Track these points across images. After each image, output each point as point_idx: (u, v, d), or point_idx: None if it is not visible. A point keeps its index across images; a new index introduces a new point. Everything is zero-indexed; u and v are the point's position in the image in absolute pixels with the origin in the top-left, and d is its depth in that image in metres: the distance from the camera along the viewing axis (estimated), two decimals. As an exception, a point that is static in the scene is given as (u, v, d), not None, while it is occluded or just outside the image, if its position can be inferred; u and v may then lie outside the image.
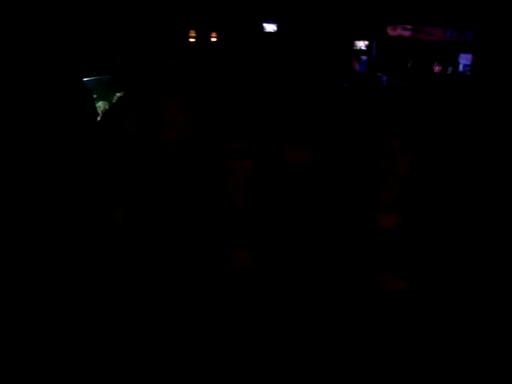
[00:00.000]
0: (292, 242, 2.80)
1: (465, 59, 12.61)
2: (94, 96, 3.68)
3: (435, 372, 2.67)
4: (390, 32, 13.20)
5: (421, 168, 2.75)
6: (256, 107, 4.16)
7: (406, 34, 13.15)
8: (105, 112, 2.98)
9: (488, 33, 10.72)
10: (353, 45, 13.13)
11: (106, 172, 2.71)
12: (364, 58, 13.12)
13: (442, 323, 2.72)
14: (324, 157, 3.06)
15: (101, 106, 4.78)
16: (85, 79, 4.61)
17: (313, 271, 2.78)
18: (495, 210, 2.75)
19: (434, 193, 2.79)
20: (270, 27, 13.58)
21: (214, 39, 13.00)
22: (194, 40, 12.65)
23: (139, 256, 2.68)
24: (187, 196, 2.82)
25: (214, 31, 12.99)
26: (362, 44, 13.42)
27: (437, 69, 12.67)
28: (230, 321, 2.74)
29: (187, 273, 2.73)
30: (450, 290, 2.71)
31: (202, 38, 12.81)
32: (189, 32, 12.65)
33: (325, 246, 2.79)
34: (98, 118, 3.17)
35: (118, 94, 5.34)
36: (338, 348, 2.72)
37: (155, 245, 2.71)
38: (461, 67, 12.67)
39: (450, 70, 12.59)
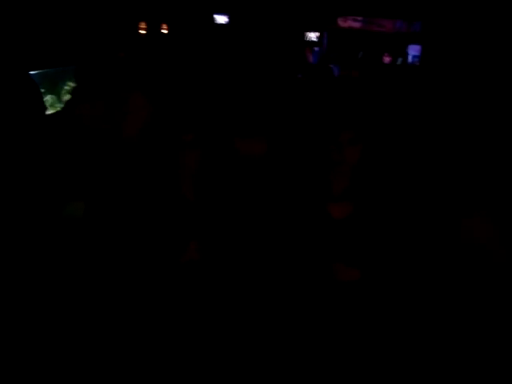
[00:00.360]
0: (244, 233, 2.81)
1: (414, 50, 12.79)
2: (42, 90, 3.62)
3: (384, 359, 2.71)
4: (341, 23, 13.29)
5: (370, 158, 2.78)
6: (206, 99, 4.15)
7: (357, 25, 13.25)
8: (66, 103, 2.97)
9: (435, 24, 10.89)
10: (304, 36, 13.17)
11: (58, 167, 2.68)
12: (316, 49, 13.17)
13: (393, 311, 2.77)
14: (277, 147, 3.07)
15: (49, 99, 4.70)
16: (31, 72, 4.52)
17: (266, 262, 2.79)
18: (439, 200, 2.80)
19: (383, 183, 2.82)
20: (221, 19, 13.51)
21: (164, 31, 12.89)
22: (144, 32, 12.52)
23: (97, 248, 2.67)
24: (141, 189, 2.81)
25: (164, 23, 12.86)
26: (313, 35, 13.47)
27: (387, 60, 12.81)
28: (182, 313, 2.74)
29: (141, 265, 2.72)
30: (399, 277, 2.75)
31: (153, 29, 12.67)
32: (139, 24, 12.49)
33: (278, 237, 2.81)
34: (47, 112, 3.12)
35: (67, 88, 5.25)
36: (290, 338, 2.74)
37: (112, 237, 2.70)
38: (410, 58, 12.83)
39: (399, 60, 12.74)
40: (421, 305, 2.77)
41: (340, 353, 2.71)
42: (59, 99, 5.01)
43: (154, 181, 2.84)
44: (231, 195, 2.89)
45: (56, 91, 4.93)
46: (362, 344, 2.73)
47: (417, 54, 12.74)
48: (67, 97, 4.41)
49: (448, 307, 2.67)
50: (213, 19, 13.50)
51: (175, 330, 2.73)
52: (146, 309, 2.71)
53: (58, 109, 4.73)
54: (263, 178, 2.96)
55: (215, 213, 2.83)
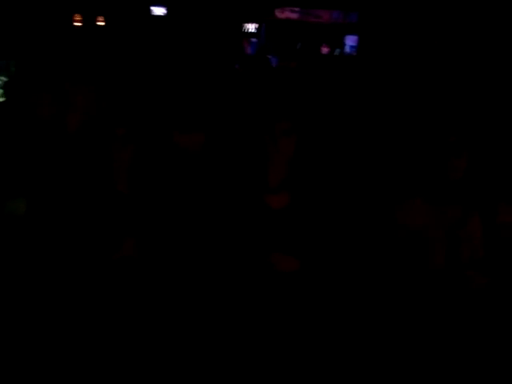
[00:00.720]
0: (181, 227, 2.79)
1: (351, 41, 12.94)
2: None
3: (323, 348, 2.74)
4: (279, 15, 13.33)
5: (306, 149, 2.80)
6: (141, 92, 4.10)
7: (294, 16, 13.31)
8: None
9: (371, 15, 11.03)
10: (242, 28, 13.16)
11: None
12: (254, 40, 13.17)
13: (334, 300, 2.80)
14: (214, 140, 3.06)
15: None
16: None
17: (204, 254, 2.78)
18: (374, 188, 2.84)
19: (319, 173, 2.85)
20: (158, 10, 13.36)
21: (100, 23, 12.67)
22: (79, 24, 12.28)
23: (38, 245, 2.63)
24: (77, 183, 2.77)
25: (100, 15, 12.64)
26: (251, 27, 13.47)
27: (325, 50, 12.91)
28: (116, 309, 2.72)
29: (77, 261, 2.68)
30: (339, 266, 2.78)
31: (88, 22, 12.44)
32: (73, 16, 12.25)
33: (216, 229, 2.80)
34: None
35: (3, 78, 5.14)
36: (230, 331, 2.74)
37: (51, 233, 2.66)
38: (347, 49, 12.98)
39: (337, 51, 12.88)
40: (360, 292, 2.81)
41: (278, 344, 2.72)
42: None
43: (89, 175, 2.80)
44: (167, 189, 2.87)
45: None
46: (302, 334, 2.75)
47: (354, 44, 12.89)
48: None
49: (386, 293, 2.71)
50: (150, 11, 13.34)
51: (108, 328, 2.70)
52: (81, 305, 2.68)
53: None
54: (201, 171, 2.95)
55: (150, 208, 2.81)
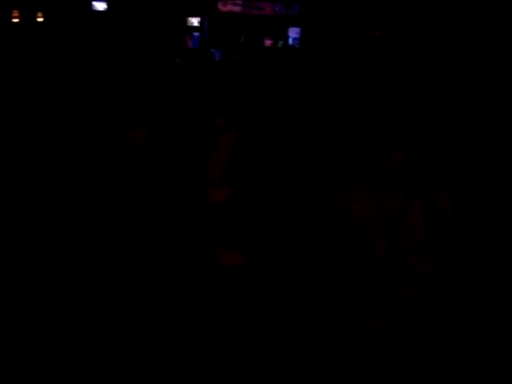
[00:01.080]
0: (123, 224, 2.76)
1: (294, 33, 12.98)
2: None
3: (268, 344, 2.74)
4: (221, 8, 13.28)
5: (247, 143, 2.79)
6: (82, 88, 4.03)
7: (237, 9, 13.28)
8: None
9: (313, 6, 11.08)
10: (185, 21, 13.05)
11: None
12: (196, 34, 13.10)
13: (277, 294, 2.80)
14: (157, 136, 3.04)
15: None
16: None
17: (146, 251, 2.75)
18: (316, 177, 2.86)
19: (260, 166, 2.84)
20: (99, 5, 13.18)
21: (40, 19, 12.42)
22: (17, 20, 12.01)
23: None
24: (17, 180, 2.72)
25: (39, 11, 12.39)
26: (194, 20, 13.38)
27: (268, 43, 12.92)
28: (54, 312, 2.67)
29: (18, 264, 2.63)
30: (285, 259, 2.78)
31: (27, 18, 12.18)
32: (12, 12, 11.98)
33: (157, 224, 2.77)
34: None
35: None
36: (172, 326, 2.72)
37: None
38: (290, 41, 13.01)
39: (280, 43, 12.90)
40: (305, 283, 2.82)
41: (221, 340, 2.71)
42: None
43: (28, 172, 2.74)
44: (109, 187, 2.83)
45: None
46: (247, 329, 2.75)
47: (297, 36, 12.94)
48: None
49: (330, 283, 2.73)
50: (90, 6, 13.14)
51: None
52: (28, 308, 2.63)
53: None
54: (145, 166, 2.92)
55: (91, 206, 2.76)
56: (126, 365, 2.71)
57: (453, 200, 2.71)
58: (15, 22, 11.94)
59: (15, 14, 12.01)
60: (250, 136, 2.83)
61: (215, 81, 5.01)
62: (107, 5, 13.08)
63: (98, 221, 2.75)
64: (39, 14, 12.45)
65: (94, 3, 13.12)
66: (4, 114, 3.26)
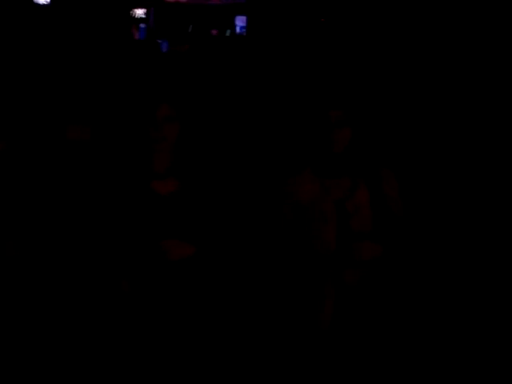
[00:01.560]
0: (66, 220, 2.70)
1: (241, 21, 12.95)
2: None
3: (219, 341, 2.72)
4: (167, -2, 13.16)
5: (191, 134, 2.76)
6: (24, 85, 3.94)
7: (183, -1, 13.19)
8: None
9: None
10: (131, 13, 12.90)
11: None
12: (143, 25, 12.96)
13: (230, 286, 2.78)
14: (101, 131, 2.99)
15: None
16: None
17: (92, 246, 2.70)
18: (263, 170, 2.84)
19: (206, 157, 2.82)
20: (41, -1, 12.92)
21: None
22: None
23: None
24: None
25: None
26: (140, 11, 13.23)
27: (214, 32, 12.87)
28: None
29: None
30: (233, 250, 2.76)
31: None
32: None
33: (103, 219, 2.72)
34: None
35: None
36: (117, 324, 2.67)
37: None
38: (238, 29, 12.99)
39: (228, 32, 12.86)
40: (255, 274, 2.80)
41: (171, 336, 2.68)
42: None
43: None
44: (53, 183, 2.77)
45: None
46: (197, 323, 2.72)
47: (244, 24, 12.92)
48: None
49: (280, 272, 2.72)
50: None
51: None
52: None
53: None
54: (90, 161, 2.87)
55: (32, 204, 2.70)
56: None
57: (400, 184, 2.73)
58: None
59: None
60: (194, 126, 2.79)
61: (161, 72, 4.95)
62: (50, -2, 12.84)
63: (38, 218, 2.69)
64: (-21, 9, 12.14)
65: (36, -3, 12.86)
66: None
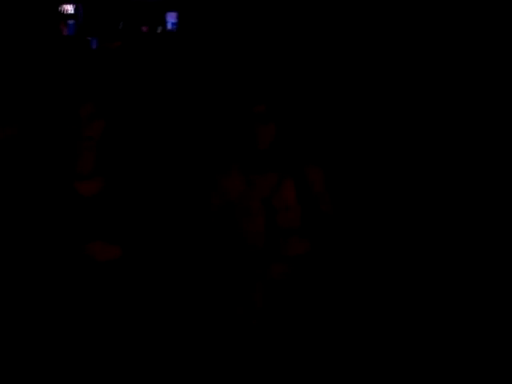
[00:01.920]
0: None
1: (171, 17, 12.86)
2: None
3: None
4: (97, -7, 12.91)
5: (116, 132, 2.71)
6: None
7: (113, -5, 12.97)
8: None
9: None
10: (59, 9, 12.62)
11: None
12: (71, 22, 12.68)
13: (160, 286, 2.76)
14: (28, 131, 2.91)
15: None
16: None
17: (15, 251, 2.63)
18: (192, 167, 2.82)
19: (132, 156, 2.78)
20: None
21: None
22: None
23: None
24: None
25: None
26: (69, 7, 12.97)
27: (145, 29, 12.72)
28: None
29: None
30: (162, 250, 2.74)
31: None
32: None
33: (26, 222, 2.65)
34: None
35: None
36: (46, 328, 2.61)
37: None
38: (169, 25, 12.89)
39: (159, 29, 12.74)
40: (188, 271, 2.79)
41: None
42: None
43: None
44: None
45: None
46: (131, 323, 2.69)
47: (175, 21, 12.82)
48: None
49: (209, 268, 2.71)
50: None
51: None
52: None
53: None
54: (15, 163, 2.79)
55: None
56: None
57: (328, 181, 2.75)
58: None
59: None
60: (119, 125, 2.75)
61: (90, 69, 4.86)
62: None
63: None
64: None
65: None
66: None
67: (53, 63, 5.29)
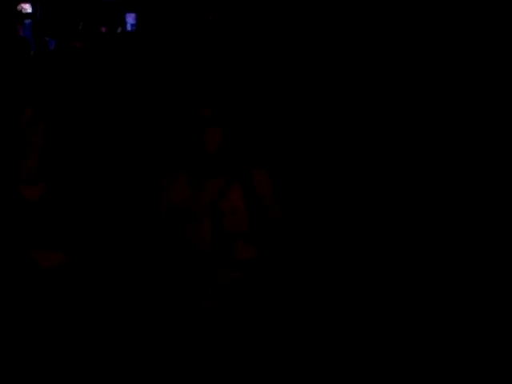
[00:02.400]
0: None
1: (131, 18, 12.74)
2: None
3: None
4: (55, -7, 12.73)
5: (57, 138, 2.67)
6: None
7: (71, -5, 12.80)
8: None
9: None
10: (16, 8, 12.39)
11: None
12: (28, 21, 12.45)
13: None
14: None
15: None
16: None
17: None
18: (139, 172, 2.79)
19: (76, 161, 2.74)
20: None
21: None
22: None
23: None
24: None
25: None
26: (27, 6, 12.75)
27: (104, 29, 12.56)
28: None
29: None
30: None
31: None
32: None
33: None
34: None
35: None
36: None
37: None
38: (128, 26, 12.77)
39: (119, 29, 12.60)
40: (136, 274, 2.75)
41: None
42: None
43: None
44: None
45: None
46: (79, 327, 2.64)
47: (135, 22, 12.71)
48: None
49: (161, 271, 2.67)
50: None
51: None
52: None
53: None
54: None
55: None
56: None
57: (276, 186, 2.74)
58: None
59: None
60: (64, 129, 2.70)
61: (32, 73, 4.77)
62: None
63: None
64: None
65: None
66: None
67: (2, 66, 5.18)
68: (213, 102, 2.61)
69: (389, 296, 2.97)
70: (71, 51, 9.33)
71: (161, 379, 2.60)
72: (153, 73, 4.79)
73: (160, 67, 4.94)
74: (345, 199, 3.66)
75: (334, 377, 2.58)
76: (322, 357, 2.66)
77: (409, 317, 2.86)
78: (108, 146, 3.08)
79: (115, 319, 2.74)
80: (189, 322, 2.61)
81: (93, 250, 2.68)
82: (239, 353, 2.61)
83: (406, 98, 4.18)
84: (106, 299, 2.74)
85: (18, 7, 12.52)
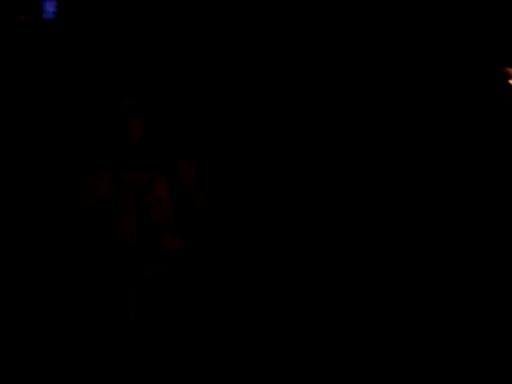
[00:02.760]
0: None
1: (51, 6, 12.42)
2: None
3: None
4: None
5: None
6: None
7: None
8: None
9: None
10: None
11: None
12: None
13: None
14: None
15: None
16: None
17: None
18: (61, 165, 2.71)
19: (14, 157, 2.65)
20: None
21: None
22: None
23: None
24: None
25: None
26: None
27: (22, 17, 12.19)
28: None
29: None
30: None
31: None
32: None
33: None
34: None
35: None
36: None
37: None
38: (49, 15, 12.44)
39: (39, 18, 12.24)
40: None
41: None
42: None
43: None
44: None
45: None
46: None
47: (55, 9, 12.38)
48: None
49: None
50: None
51: None
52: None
53: None
54: None
55: None
56: None
57: (201, 176, 2.72)
58: None
59: None
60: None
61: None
62: None
63: None
64: None
65: None
66: None
67: None
68: (134, 92, 2.56)
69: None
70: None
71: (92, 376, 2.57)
72: (72, 62, 4.66)
73: (80, 57, 4.82)
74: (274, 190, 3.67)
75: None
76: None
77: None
78: (26, 139, 2.99)
79: (43, 318, 2.69)
80: (115, 316, 2.57)
81: (13, 248, 2.61)
82: (168, 347, 2.60)
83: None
84: (28, 295, 2.68)
85: None
